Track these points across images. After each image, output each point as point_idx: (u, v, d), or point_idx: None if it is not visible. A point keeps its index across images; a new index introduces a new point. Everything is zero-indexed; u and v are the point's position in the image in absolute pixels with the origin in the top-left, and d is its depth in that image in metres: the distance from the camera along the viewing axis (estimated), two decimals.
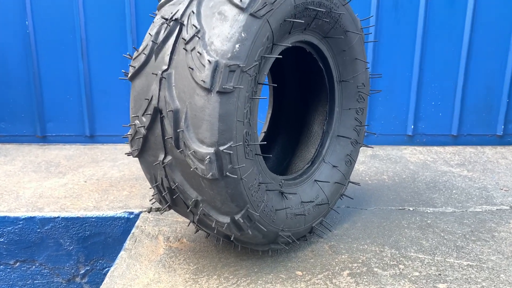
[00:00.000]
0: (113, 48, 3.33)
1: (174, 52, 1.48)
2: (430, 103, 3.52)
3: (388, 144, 3.57)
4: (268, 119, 2.30)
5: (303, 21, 1.62)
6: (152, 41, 1.52)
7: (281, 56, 1.54)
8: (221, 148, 1.40)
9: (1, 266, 2.29)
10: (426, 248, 1.90)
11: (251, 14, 1.41)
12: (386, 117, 3.55)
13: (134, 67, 1.57)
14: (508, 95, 3.47)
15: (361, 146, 2.12)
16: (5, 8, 3.33)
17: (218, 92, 1.37)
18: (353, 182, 2.13)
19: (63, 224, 2.24)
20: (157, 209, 2.27)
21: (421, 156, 3.29)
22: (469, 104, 3.52)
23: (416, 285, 1.63)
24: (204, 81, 1.37)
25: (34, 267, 2.30)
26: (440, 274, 1.70)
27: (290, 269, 1.75)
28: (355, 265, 1.77)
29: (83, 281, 2.34)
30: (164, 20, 1.53)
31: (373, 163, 3.11)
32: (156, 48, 1.52)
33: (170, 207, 1.73)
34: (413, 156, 3.29)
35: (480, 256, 1.84)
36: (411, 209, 2.31)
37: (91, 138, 3.56)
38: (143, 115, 1.53)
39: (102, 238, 2.27)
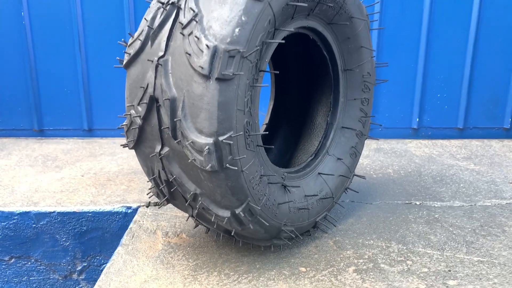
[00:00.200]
0: (111, 39, 3.25)
1: (171, 37, 1.40)
2: (435, 95, 3.44)
3: (393, 137, 3.49)
4: (270, 111, 2.23)
5: (306, 5, 1.54)
6: (147, 26, 1.45)
7: (283, 41, 1.46)
8: (221, 138, 1.33)
9: None
10: (435, 244, 1.83)
11: None
12: (390, 110, 3.46)
13: (129, 54, 1.50)
14: None
15: (366, 138, 2.04)
16: None
17: (217, 79, 1.30)
18: (358, 175, 2.05)
19: (59, 219, 2.18)
20: (156, 204, 2.20)
21: (427, 149, 3.21)
22: (475, 96, 3.43)
23: (425, 282, 1.56)
24: (202, 67, 1.29)
25: (29, 263, 2.24)
26: (450, 271, 1.63)
27: (294, 265, 1.68)
28: (361, 261, 1.70)
29: (80, 277, 2.28)
30: (161, 4, 1.46)
31: (378, 156, 3.04)
32: (152, 34, 1.44)
33: (168, 201, 1.66)
34: (418, 149, 3.21)
35: (491, 252, 1.77)
36: (417, 203, 2.24)
37: (89, 132, 3.49)
38: (138, 104, 1.46)
39: (99, 234, 2.20)
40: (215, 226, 1.63)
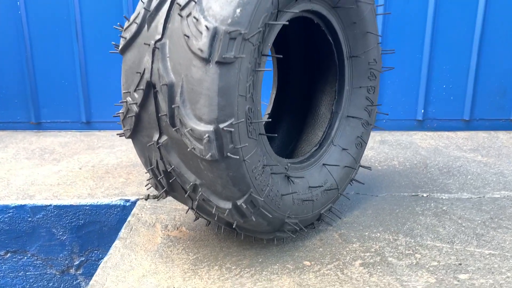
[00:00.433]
0: (110, 28, 3.17)
1: (169, 19, 1.33)
2: (441, 86, 3.36)
3: (397, 129, 3.42)
4: (272, 100, 2.16)
5: None
6: (144, 8, 1.37)
7: (287, 23, 1.39)
8: (221, 125, 1.26)
9: None
10: (444, 236, 1.76)
11: None
12: (394, 101, 3.39)
13: (125, 38, 1.43)
14: None
15: (372, 128, 1.97)
16: None
17: (217, 62, 1.23)
18: (364, 166, 1.99)
19: (56, 212, 2.12)
20: (155, 197, 2.14)
21: (432, 141, 3.14)
22: (482, 87, 3.35)
23: (435, 276, 1.49)
24: (201, 50, 1.22)
25: (25, 258, 2.18)
26: (460, 264, 1.57)
27: (298, 259, 1.61)
28: (368, 254, 1.63)
29: (77, 272, 2.22)
30: None
31: (382, 148, 2.97)
32: (149, 17, 1.37)
33: (167, 193, 1.59)
34: (424, 141, 3.14)
35: (502, 245, 1.70)
36: (424, 195, 2.17)
37: (88, 124, 3.42)
38: (135, 90, 1.39)
39: (97, 227, 2.14)
40: (216, 219, 1.57)
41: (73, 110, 3.39)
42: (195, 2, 1.26)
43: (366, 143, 1.96)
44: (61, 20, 3.21)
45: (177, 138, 1.34)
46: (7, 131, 3.42)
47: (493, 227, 1.84)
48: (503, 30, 3.23)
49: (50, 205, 2.11)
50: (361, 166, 1.96)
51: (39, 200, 2.14)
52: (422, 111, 3.38)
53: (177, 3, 1.30)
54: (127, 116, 1.45)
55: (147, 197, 2.14)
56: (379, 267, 1.55)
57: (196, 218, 1.84)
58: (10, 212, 2.10)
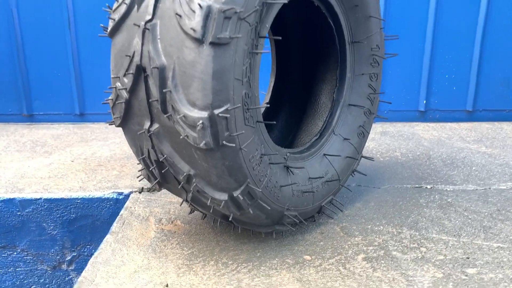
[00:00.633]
0: (103, 16, 3.07)
1: None
2: (443, 76, 3.28)
3: (399, 120, 3.34)
4: (271, 89, 2.07)
5: None
6: None
7: (286, 1, 1.30)
8: (216, 111, 1.18)
9: None
10: (450, 229, 1.69)
11: None
12: (396, 91, 3.31)
13: (114, 19, 1.34)
14: None
15: (375, 117, 1.90)
16: None
17: (211, 43, 1.14)
18: (366, 157, 1.91)
19: (46, 206, 2.04)
20: (149, 189, 2.06)
21: (435, 132, 3.06)
22: (485, 77, 3.27)
23: (442, 270, 1.42)
24: (194, 30, 1.14)
25: (15, 253, 2.11)
26: (468, 258, 1.49)
27: (298, 253, 1.54)
28: (371, 248, 1.56)
29: (69, 268, 2.14)
30: None
31: (384, 139, 2.89)
32: None
33: (160, 185, 1.51)
34: (426, 132, 3.06)
35: (511, 237, 1.63)
36: (428, 187, 2.10)
37: (81, 116, 3.33)
38: (124, 75, 1.31)
39: (89, 221, 2.07)
40: (211, 211, 1.49)
41: (66, 102, 3.30)
42: None
43: (368, 133, 1.88)
44: (53, 7, 3.11)
45: (169, 125, 1.26)
46: None
47: (501, 219, 1.77)
48: (507, 19, 3.14)
49: (40, 199, 2.03)
50: (364, 157, 1.88)
51: (29, 193, 2.06)
52: (424, 101, 3.30)
53: None
54: (117, 102, 1.37)
55: (141, 190, 2.07)
56: (383, 262, 1.48)
57: (191, 211, 1.76)
58: None
